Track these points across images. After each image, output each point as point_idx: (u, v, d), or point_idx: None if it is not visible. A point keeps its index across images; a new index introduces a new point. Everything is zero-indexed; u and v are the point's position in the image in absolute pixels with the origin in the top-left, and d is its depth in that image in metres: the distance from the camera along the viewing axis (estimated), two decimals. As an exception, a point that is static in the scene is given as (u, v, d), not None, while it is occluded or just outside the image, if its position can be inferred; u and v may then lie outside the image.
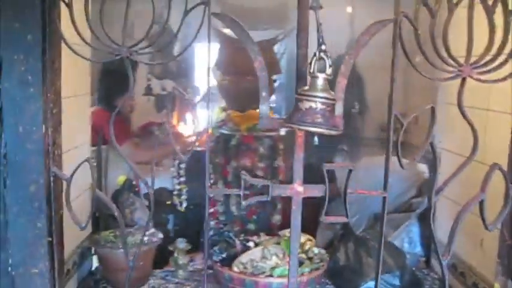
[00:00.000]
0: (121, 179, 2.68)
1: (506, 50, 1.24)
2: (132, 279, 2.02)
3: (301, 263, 2.10)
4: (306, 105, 1.12)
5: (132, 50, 1.19)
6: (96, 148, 3.00)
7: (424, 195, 2.58)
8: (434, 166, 1.32)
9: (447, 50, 1.23)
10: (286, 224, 3.96)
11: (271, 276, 1.93)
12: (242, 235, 2.40)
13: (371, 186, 1.35)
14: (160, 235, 2.20)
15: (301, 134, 1.26)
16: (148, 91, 3.31)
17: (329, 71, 1.12)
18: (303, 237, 2.23)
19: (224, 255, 2.08)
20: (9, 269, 1.21)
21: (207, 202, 1.25)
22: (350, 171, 1.27)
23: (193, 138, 4.05)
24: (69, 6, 1.16)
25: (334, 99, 1.13)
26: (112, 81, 3.03)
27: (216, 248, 2.09)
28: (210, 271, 2.05)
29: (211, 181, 3.36)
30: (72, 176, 1.23)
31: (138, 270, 2.05)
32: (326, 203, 1.28)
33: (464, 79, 1.25)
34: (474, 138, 1.30)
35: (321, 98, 1.11)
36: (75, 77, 2.01)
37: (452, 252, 1.34)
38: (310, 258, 2.13)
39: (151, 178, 1.24)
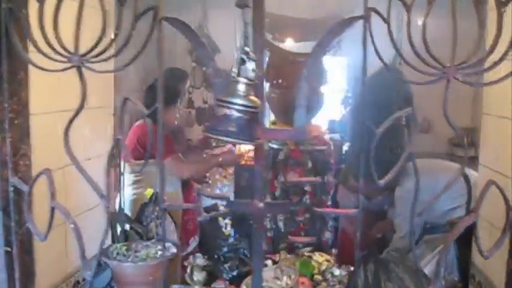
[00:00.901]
0: (148, 191, 2.67)
1: (501, 48, 1.07)
2: (141, 293, 2.00)
3: (317, 284, 1.97)
4: (221, 112, 1.01)
5: (84, 59, 1.15)
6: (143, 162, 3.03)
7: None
8: (417, 183, 1.16)
9: (427, 49, 1.08)
10: (341, 241, 3.80)
11: (276, 297, 1.82)
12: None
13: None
14: (174, 250, 2.14)
15: (260, 147, 1.17)
16: (190, 104, 3.32)
17: (251, 75, 1.02)
18: (321, 257, 2.10)
19: (234, 273, 1.99)
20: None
21: (164, 216, 1.19)
22: (317, 187, 1.15)
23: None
24: (21, 17, 1.15)
25: (256, 107, 1.02)
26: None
27: (226, 266, 2.01)
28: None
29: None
30: (31, 187, 1.21)
31: (148, 285, 2.02)
32: (287, 221, 1.17)
33: (448, 81, 1.10)
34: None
35: (238, 105, 1.00)
36: (98, 90, 2.04)
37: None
38: (327, 280, 1.99)
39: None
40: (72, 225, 1.22)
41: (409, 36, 1.09)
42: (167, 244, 2.19)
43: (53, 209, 1.22)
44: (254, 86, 1.03)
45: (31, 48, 1.19)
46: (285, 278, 1.94)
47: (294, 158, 3.66)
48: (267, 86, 3.68)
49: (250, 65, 1.02)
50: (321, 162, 3.62)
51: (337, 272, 2.04)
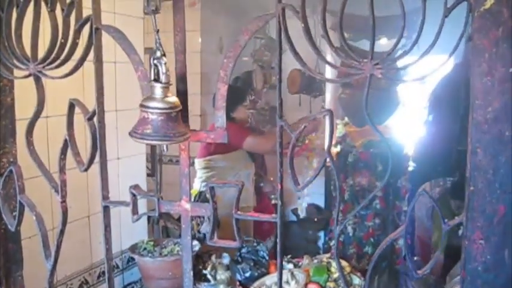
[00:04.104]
0: (193, 191, 2.77)
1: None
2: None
3: (326, 292, 1.90)
4: (141, 115, 1.05)
5: (39, 67, 1.25)
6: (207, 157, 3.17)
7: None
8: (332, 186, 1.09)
9: (346, 45, 1.02)
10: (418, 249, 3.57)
11: (276, 302, 1.79)
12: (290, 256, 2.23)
13: None
14: (197, 248, 2.20)
15: (185, 147, 1.17)
16: (253, 105, 3.35)
17: (163, 78, 1.04)
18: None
19: (247, 275, 1.99)
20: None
21: (102, 214, 1.24)
22: (240, 191, 1.13)
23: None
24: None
25: (172, 108, 1.04)
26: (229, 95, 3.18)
27: (239, 267, 2.01)
28: None
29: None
30: (4, 179, 1.35)
31: (168, 281, 2.10)
32: (212, 224, 1.16)
33: (368, 78, 1.03)
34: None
35: (152, 108, 1.04)
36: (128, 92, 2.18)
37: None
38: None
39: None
40: (34, 217, 1.33)
41: (326, 30, 1.04)
42: (193, 243, 2.26)
43: (20, 202, 1.34)
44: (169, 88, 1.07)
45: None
46: (293, 283, 1.90)
47: (364, 161, 3.53)
48: (337, 86, 3.59)
49: (163, 69, 1.05)
50: (393, 166, 3.44)
51: (356, 280, 1.94)
